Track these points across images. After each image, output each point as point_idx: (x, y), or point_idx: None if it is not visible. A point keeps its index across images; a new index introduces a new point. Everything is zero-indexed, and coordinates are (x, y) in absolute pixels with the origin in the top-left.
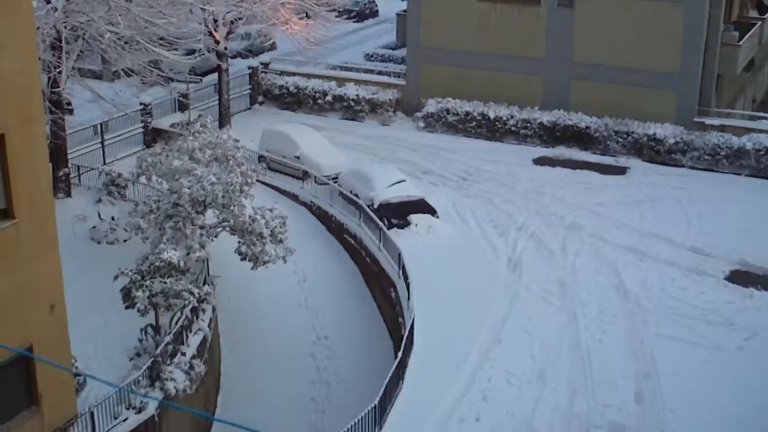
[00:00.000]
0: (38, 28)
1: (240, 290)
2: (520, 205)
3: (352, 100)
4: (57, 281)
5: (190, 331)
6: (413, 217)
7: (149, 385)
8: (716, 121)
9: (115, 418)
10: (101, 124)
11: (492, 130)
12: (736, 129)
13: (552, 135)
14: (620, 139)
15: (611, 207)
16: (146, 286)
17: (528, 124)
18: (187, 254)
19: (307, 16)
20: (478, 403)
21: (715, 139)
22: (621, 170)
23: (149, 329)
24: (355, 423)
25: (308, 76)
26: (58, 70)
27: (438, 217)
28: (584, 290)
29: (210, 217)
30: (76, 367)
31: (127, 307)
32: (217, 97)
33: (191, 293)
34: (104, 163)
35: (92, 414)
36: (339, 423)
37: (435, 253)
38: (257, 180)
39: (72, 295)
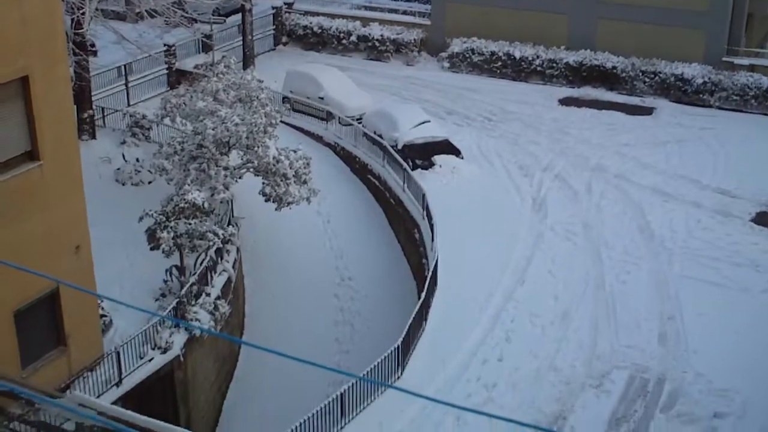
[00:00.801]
0: None
1: (264, 232)
2: (545, 146)
3: (377, 40)
4: (82, 222)
5: (215, 272)
6: (437, 158)
7: (174, 325)
8: (745, 61)
9: (141, 358)
10: (125, 65)
11: (517, 70)
12: (765, 69)
13: (578, 75)
14: (647, 80)
15: (637, 148)
16: (171, 228)
17: (554, 65)
18: (212, 195)
19: None
20: (501, 344)
21: (743, 79)
22: (647, 111)
23: (174, 270)
24: (378, 363)
25: (332, 16)
26: (81, 11)
27: (462, 158)
28: (609, 231)
29: (234, 158)
30: (102, 308)
31: (152, 249)
32: (241, 38)
33: (216, 234)
34: (128, 105)
35: (118, 354)
36: (362, 363)
37: (459, 194)
38: (281, 121)
39: (97, 237)
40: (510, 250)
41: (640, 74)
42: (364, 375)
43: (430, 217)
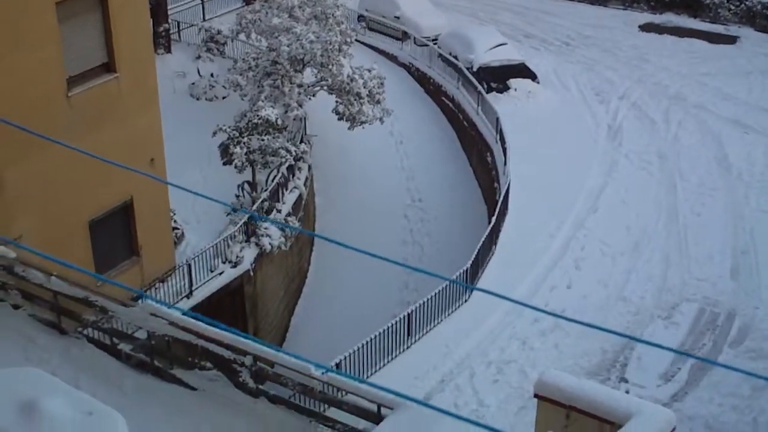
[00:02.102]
0: None
1: (336, 151)
2: (623, 73)
3: None
4: (157, 135)
5: (286, 189)
6: (513, 82)
7: (245, 240)
8: None
9: (211, 271)
10: None
11: None
12: None
13: (660, 1)
14: (732, 7)
15: (718, 78)
16: (244, 143)
17: None
18: (285, 112)
19: None
20: (571, 272)
21: None
22: (731, 39)
23: (246, 186)
24: (446, 285)
25: None
26: None
27: (538, 82)
28: (685, 162)
29: (308, 75)
30: (174, 221)
31: (224, 164)
32: None
33: (288, 151)
34: (204, 20)
35: (189, 266)
36: (430, 285)
37: (534, 119)
38: (356, 40)
39: (171, 150)
40: (583, 178)
41: (725, 1)
42: (430, 298)
43: (503, 141)
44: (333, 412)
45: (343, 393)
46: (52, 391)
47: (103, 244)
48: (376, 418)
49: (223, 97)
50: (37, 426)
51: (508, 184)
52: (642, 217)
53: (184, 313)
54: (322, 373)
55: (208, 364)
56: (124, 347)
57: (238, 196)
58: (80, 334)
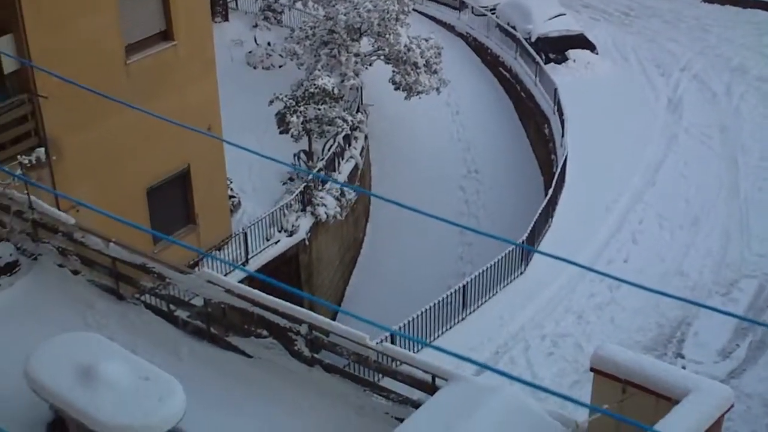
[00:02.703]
0: None
1: (392, 120)
2: (684, 44)
3: None
4: (214, 103)
5: (342, 158)
6: (571, 53)
7: (301, 209)
8: None
9: (267, 240)
10: None
11: None
12: None
13: None
14: None
15: None
16: (300, 112)
17: None
18: (342, 81)
19: None
20: (628, 245)
21: None
22: None
23: (302, 155)
24: (501, 257)
25: None
26: None
27: (597, 53)
28: (747, 136)
29: (365, 44)
30: (231, 189)
31: (281, 132)
32: None
33: (344, 120)
34: None
35: (245, 234)
36: (485, 257)
37: (592, 90)
38: (413, 9)
39: (228, 118)
40: (642, 151)
41: None
42: (486, 270)
43: (561, 112)
44: (387, 382)
45: (398, 363)
46: (110, 355)
47: (160, 212)
48: (431, 389)
49: (280, 66)
50: (96, 389)
51: (566, 156)
52: (702, 191)
53: (239, 281)
54: (383, 339)
55: (264, 332)
56: (181, 314)
57: (294, 165)
58: (138, 300)
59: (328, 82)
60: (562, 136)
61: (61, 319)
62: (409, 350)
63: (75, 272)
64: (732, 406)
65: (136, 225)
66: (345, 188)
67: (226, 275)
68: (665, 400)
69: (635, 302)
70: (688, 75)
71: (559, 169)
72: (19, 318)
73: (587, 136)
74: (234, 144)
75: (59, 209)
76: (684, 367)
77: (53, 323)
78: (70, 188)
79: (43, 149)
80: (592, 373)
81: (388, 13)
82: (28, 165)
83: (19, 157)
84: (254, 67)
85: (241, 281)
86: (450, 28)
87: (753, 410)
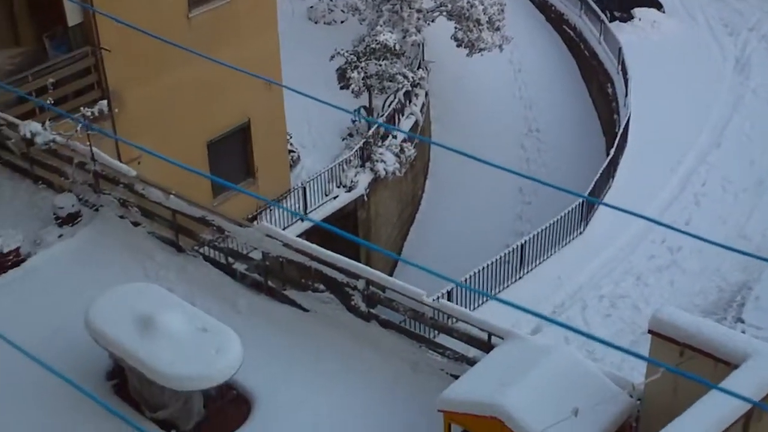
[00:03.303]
0: None
1: (454, 77)
2: (753, 4)
3: None
4: (274, 58)
5: (402, 115)
6: (637, 11)
7: (360, 165)
8: None
9: (326, 195)
10: None
11: None
12: None
13: None
14: None
15: None
16: (361, 68)
17: None
18: (403, 37)
19: None
20: (690, 207)
21: None
22: None
23: (362, 110)
24: (561, 217)
25: None
26: None
27: (664, 12)
28: None
29: (427, 1)
30: (291, 144)
31: (341, 88)
32: None
33: (405, 77)
34: None
35: (304, 189)
36: (545, 215)
37: (658, 50)
38: None
39: (288, 73)
40: (707, 111)
41: None
42: (545, 229)
43: (625, 72)
44: (443, 339)
45: (454, 320)
46: (169, 306)
47: (220, 166)
48: (486, 347)
49: (342, 21)
50: (155, 339)
51: (629, 116)
52: (767, 154)
53: (297, 236)
54: (440, 296)
55: (321, 287)
56: (239, 267)
57: (354, 121)
58: (197, 252)
59: (389, 38)
60: (626, 95)
61: (122, 269)
62: (467, 308)
63: (135, 224)
64: None
65: (198, 171)
66: (405, 145)
67: (284, 229)
68: (724, 364)
69: (696, 265)
70: (756, 35)
71: (621, 129)
72: (81, 268)
73: (651, 97)
74: (296, 90)
75: (121, 161)
76: (743, 332)
77: (114, 274)
78: (132, 141)
79: (105, 102)
80: (649, 336)
81: None
82: (91, 117)
83: (81, 109)
84: (315, 22)
85: (299, 236)
86: None
87: None
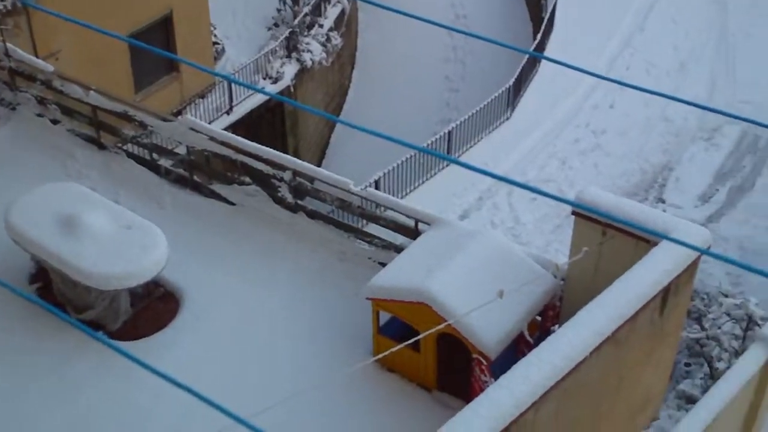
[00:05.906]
0: None
1: None
2: None
3: None
4: None
5: (329, 4)
6: None
7: (286, 55)
8: None
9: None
10: None
11: None
12: None
13: None
14: None
15: None
16: None
17: None
18: None
19: None
20: (614, 91)
21: None
22: None
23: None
24: (488, 102)
25: None
26: None
27: None
28: None
29: None
30: (215, 36)
31: None
32: None
33: None
34: None
35: (230, 82)
36: (471, 102)
37: None
38: None
39: None
40: None
41: None
42: (471, 115)
43: None
44: (371, 228)
45: (382, 209)
46: (92, 205)
47: (142, 60)
48: (413, 234)
49: None
50: (78, 239)
51: (555, 2)
52: (690, 37)
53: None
54: (367, 185)
55: (248, 180)
56: (164, 162)
57: (279, 11)
58: (120, 149)
59: None
60: None
61: (42, 169)
62: (395, 196)
63: (54, 121)
64: (709, 247)
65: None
66: (331, 34)
67: (210, 123)
68: (644, 242)
69: (619, 148)
70: None
71: (547, 15)
72: None
73: None
74: None
75: (37, 57)
76: (664, 211)
77: (33, 174)
78: (51, 37)
79: None
80: (573, 217)
81: None
82: (3, 11)
83: None
84: None
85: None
86: None
87: (729, 253)
